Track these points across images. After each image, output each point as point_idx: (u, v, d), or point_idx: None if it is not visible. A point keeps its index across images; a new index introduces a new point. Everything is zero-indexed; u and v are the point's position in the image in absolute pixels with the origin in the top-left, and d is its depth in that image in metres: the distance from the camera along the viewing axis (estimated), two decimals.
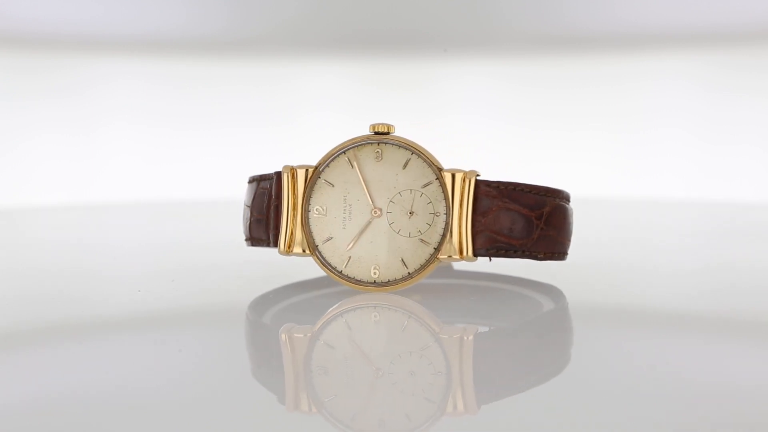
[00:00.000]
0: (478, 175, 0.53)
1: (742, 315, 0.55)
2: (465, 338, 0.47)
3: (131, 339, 0.50)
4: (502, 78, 1.46)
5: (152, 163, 1.41)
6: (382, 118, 0.57)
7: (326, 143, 0.66)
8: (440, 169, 0.53)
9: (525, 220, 0.53)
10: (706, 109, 1.41)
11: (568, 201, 0.56)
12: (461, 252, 0.52)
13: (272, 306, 0.56)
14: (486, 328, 0.52)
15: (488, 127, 1.44)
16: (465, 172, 0.53)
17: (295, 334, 0.49)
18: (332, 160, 0.55)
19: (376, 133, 0.55)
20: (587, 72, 1.45)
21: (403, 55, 1.43)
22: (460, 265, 0.62)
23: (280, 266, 0.61)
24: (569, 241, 0.56)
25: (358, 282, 0.54)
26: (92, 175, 1.38)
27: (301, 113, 1.41)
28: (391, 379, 0.41)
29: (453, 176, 0.53)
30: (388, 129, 0.55)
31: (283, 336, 0.49)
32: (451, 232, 0.52)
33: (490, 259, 0.54)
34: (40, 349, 0.48)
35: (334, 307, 0.53)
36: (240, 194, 0.60)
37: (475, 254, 0.53)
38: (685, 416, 0.37)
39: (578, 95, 1.44)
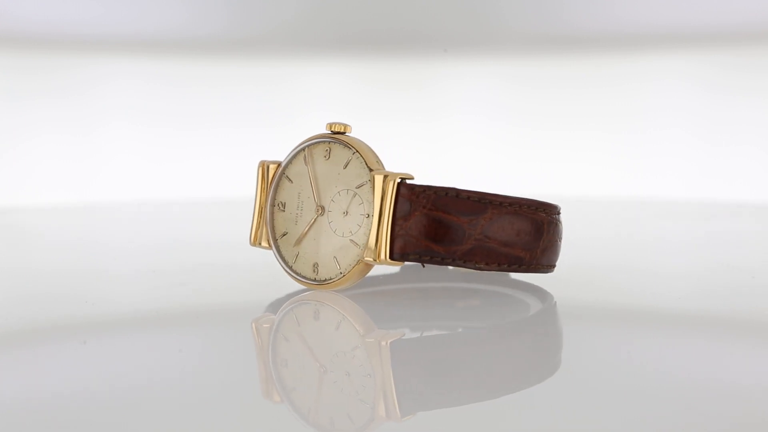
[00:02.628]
0: (407, 179, 0.52)
1: (741, 315, 0.55)
2: (382, 343, 0.47)
3: (131, 339, 0.50)
4: (502, 78, 1.46)
5: (152, 163, 1.41)
6: (382, 118, 0.57)
7: None
8: (371, 170, 0.52)
9: (452, 227, 0.51)
10: (706, 109, 1.41)
11: (545, 212, 0.54)
12: (378, 255, 0.51)
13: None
14: (417, 334, 0.52)
15: (488, 127, 1.44)
16: (389, 175, 0.51)
17: (264, 325, 0.51)
18: (293, 157, 0.56)
19: (333, 132, 0.54)
20: (587, 72, 1.44)
21: (403, 55, 1.43)
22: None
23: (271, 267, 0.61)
24: (536, 252, 0.53)
25: (303, 278, 0.55)
26: (92, 174, 1.38)
27: (301, 113, 1.41)
28: (332, 377, 0.42)
29: (384, 178, 0.51)
30: (344, 129, 0.54)
31: (253, 326, 0.51)
32: (377, 235, 0.51)
33: (423, 266, 0.53)
34: (41, 348, 0.48)
35: (288, 301, 0.55)
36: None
37: (393, 258, 0.51)
38: (676, 416, 0.37)
39: (578, 95, 1.44)
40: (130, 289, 0.63)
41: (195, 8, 1.39)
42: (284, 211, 0.55)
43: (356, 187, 0.53)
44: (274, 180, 0.56)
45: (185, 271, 0.68)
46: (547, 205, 0.54)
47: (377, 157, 0.54)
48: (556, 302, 0.57)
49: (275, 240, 0.55)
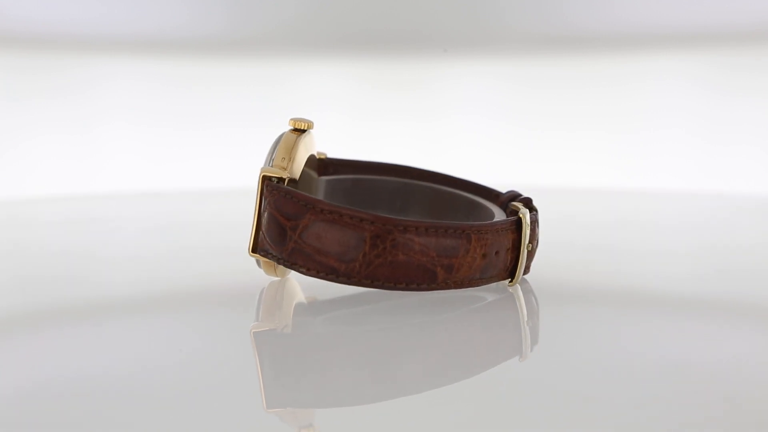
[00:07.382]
0: (276, 177, 0.51)
1: (730, 298, 0.56)
2: (252, 332, 0.50)
3: (127, 325, 0.50)
4: (502, 78, 1.46)
5: (152, 162, 1.41)
6: (382, 118, 0.57)
7: (326, 143, 0.66)
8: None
9: (279, 227, 0.51)
10: (706, 108, 1.41)
11: (384, 225, 0.49)
12: (249, 248, 0.52)
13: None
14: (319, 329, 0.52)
15: (488, 127, 1.44)
16: (261, 169, 0.52)
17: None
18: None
19: (293, 129, 0.55)
20: (587, 72, 1.45)
21: (403, 55, 1.43)
22: None
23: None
24: (355, 265, 0.50)
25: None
26: (93, 173, 1.39)
27: (301, 113, 1.41)
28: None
29: (260, 175, 0.52)
30: (307, 126, 0.55)
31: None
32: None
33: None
34: (42, 334, 0.48)
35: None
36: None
37: (256, 252, 0.52)
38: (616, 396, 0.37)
39: (578, 95, 1.45)
40: (130, 288, 0.63)
41: (195, 8, 1.39)
42: None
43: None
44: None
45: (185, 272, 0.69)
46: (388, 219, 0.50)
47: (288, 155, 0.53)
48: (497, 299, 0.56)
49: None
